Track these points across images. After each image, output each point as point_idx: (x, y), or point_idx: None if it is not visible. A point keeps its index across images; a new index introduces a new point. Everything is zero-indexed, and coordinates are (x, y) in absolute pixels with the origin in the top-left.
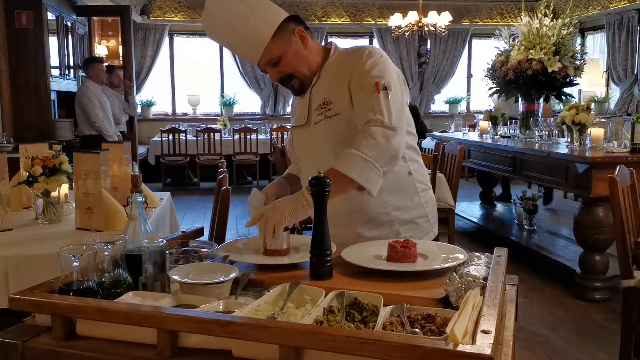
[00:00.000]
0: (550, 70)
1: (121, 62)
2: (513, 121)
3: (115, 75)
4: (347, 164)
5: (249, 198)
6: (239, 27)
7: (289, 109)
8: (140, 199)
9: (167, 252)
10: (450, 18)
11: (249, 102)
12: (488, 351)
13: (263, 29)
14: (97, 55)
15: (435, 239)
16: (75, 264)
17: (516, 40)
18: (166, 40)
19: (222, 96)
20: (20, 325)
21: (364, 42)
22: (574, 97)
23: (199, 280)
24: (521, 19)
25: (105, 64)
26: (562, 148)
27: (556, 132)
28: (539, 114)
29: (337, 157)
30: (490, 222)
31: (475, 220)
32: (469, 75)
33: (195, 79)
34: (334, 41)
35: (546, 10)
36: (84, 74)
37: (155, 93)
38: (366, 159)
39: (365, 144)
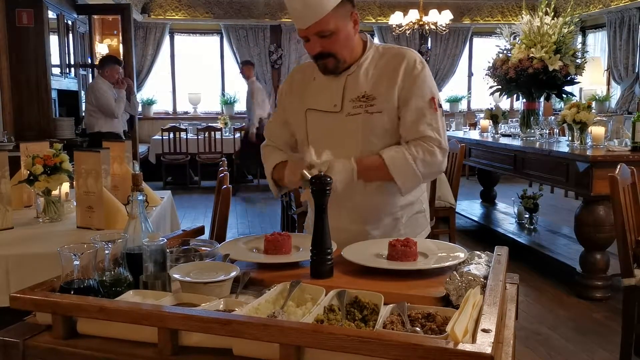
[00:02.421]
0: (551, 68)
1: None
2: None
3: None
4: (398, 166)
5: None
6: None
7: None
8: (140, 197)
9: (167, 250)
10: (451, 16)
11: None
12: (488, 350)
13: None
14: (115, 57)
15: (434, 237)
16: (76, 262)
17: (517, 39)
18: (167, 38)
19: (223, 95)
20: (21, 323)
21: None
22: (575, 96)
23: (200, 279)
24: (522, 18)
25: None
26: (563, 147)
27: (557, 131)
28: (540, 113)
29: (390, 153)
30: (491, 221)
31: (475, 218)
32: (470, 74)
33: (195, 78)
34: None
35: (547, 8)
36: (96, 71)
37: (156, 92)
38: (417, 172)
39: (423, 159)
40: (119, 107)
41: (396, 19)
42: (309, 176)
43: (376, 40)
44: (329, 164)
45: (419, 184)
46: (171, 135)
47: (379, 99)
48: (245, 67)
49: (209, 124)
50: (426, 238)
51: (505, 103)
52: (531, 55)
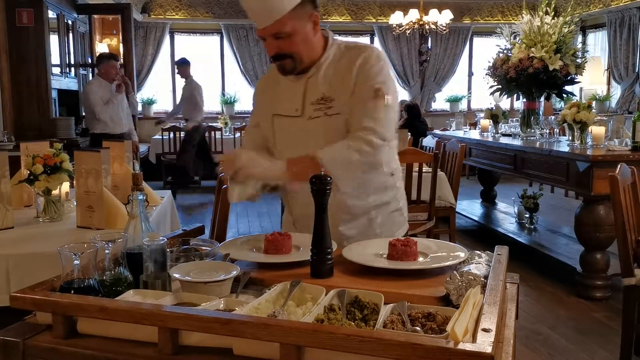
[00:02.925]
0: (551, 68)
1: (122, 60)
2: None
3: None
4: (333, 160)
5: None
6: None
7: None
8: (141, 197)
9: (167, 250)
10: (451, 16)
11: (249, 100)
12: (489, 349)
13: None
14: (110, 52)
15: (434, 237)
16: (76, 262)
17: (517, 39)
18: (167, 38)
19: (223, 94)
20: (21, 323)
21: (364, 40)
22: (575, 95)
23: (200, 279)
24: (522, 17)
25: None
26: (563, 146)
27: (557, 131)
28: (540, 112)
29: (326, 148)
30: (491, 221)
31: (476, 218)
32: (470, 74)
33: (196, 77)
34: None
35: (547, 8)
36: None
37: (156, 91)
38: (353, 162)
39: (358, 149)
40: (104, 109)
41: (396, 18)
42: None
43: (376, 40)
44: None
45: (354, 176)
46: (171, 134)
47: (337, 101)
48: (181, 67)
49: (209, 124)
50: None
51: (505, 103)
52: (531, 54)
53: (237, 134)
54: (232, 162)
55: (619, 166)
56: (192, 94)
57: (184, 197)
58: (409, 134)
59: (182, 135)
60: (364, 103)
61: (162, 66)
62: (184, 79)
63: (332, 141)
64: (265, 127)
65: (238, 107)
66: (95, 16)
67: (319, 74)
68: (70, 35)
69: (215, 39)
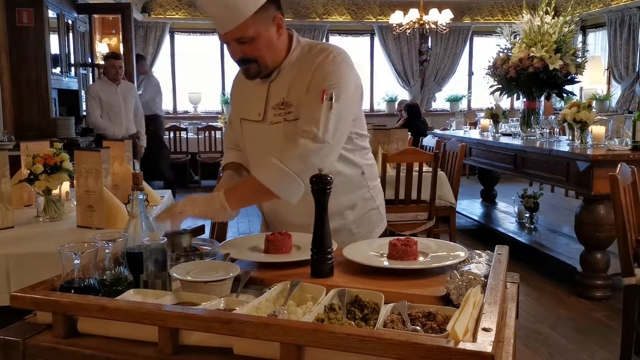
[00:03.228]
0: (551, 68)
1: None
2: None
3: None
4: (267, 175)
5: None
6: None
7: None
8: (141, 196)
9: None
10: (452, 16)
11: None
12: (489, 349)
13: (248, 1)
14: (112, 52)
15: (434, 236)
16: (77, 261)
17: (517, 38)
18: (167, 38)
19: (223, 94)
20: (21, 323)
21: (365, 40)
22: (575, 95)
23: (200, 278)
24: (522, 17)
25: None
26: (564, 146)
27: (557, 130)
28: (540, 112)
29: (259, 164)
30: (491, 220)
31: (476, 218)
32: (470, 73)
33: (196, 77)
34: (339, 39)
35: (547, 7)
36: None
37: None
38: (287, 171)
39: (290, 155)
40: (96, 117)
41: (396, 18)
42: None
43: (376, 40)
44: (187, 197)
45: (300, 185)
46: (171, 134)
47: (295, 105)
48: (138, 63)
49: (209, 123)
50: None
51: (505, 102)
52: (531, 54)
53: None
54: (169, 213)
55: (619, 166)
56: (152, 90)
57: (184, 196)
58: (409, 133)
59: (181, 136)
60: (308, 105)
61: (162, 66)
62: (142, 75)
63: None
64: (236, 130)
65: None
66: (96, 16)
67: (281, 77)
68: (71, 34)
69: (216, 38)
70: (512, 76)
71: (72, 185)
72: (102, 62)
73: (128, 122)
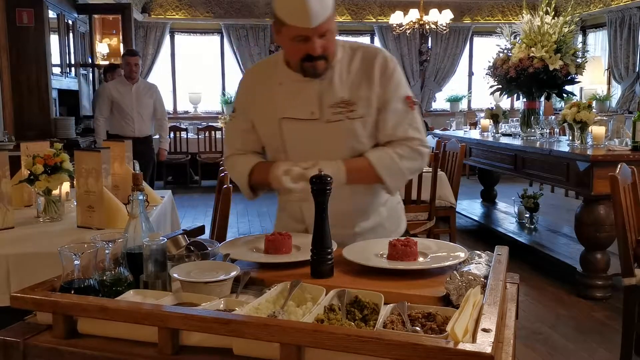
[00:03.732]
0: (551, 68)
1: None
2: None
3: (118, 74)
4: (386, 167)
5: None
6: None
7: None
8: (141, 197)
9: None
10: (452, 16)
11: None
12: (489, 350)
13: None
14: (127, 49)
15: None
16: (77, 262)
17: (517, 38)
18: (167, 38)
19: (223, 94)
20: (21, 323)
21: (365, 40)
22: (575, 95)
23: (200, 279)
24: (522, 17)
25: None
26: (564, 146)
27: (557, 130)
28: (540, 112)
29: (376, 154)
30: (492, 220)
31: (476, 218)
32: (470, 73)
33: (196, 77)
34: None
35: (547, 8)
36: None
37: None
38: (404, 171)
39: (409, 157)
40: (102, 118)
41: (396, 18)
42: (289, 183)
43: (376, 40)
44: (316, 165)
45: (405, 183)
46: (172, 134)
47: (359, 104)
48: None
49: (210, 124)
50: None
51: (505, 102)
52: (531, 54)
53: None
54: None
55: (619, 166)
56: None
57: (184, 196)
58: None
59: (181, 136)
60: (401, 113)
61: (162, 66)
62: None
63: (352, 145)
64: (267, 131)
65: None
66: (96, 16)
67: (334, 76)
68: (71, 35)
69: (216, 38)
70: (512, 76)
71: (72, 186)
72: (102, 63)
73: (141, 124)
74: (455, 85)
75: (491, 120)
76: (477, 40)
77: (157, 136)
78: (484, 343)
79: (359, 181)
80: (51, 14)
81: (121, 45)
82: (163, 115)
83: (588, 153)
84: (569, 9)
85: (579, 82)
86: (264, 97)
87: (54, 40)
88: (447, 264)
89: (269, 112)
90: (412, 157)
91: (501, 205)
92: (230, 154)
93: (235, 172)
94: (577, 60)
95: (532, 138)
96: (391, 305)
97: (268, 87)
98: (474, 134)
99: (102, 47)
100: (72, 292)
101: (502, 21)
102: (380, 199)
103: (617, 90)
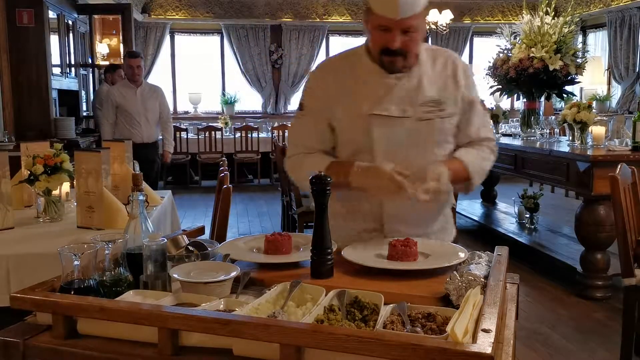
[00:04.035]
0: (551, 68)
1: (122, 60)
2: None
3: (118, 75)
4: (476, 169)
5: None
6: None
7: (290, 108)
8: (141, 197)
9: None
10: (452, 16)
11: (250, 100)
12: (489, 350)
13: None
14: (128, 50)
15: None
16: (76, 262)
17: (517, 39)
18: (167, 38)
19: (224, 94)
20: (21, 323)
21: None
22: (576, 95)
23: (200, 279)
24: (522, 17)
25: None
26: (564, 146)
27: (557, 131)
28: (541, 112)
29: (468, 157)
30: (492, 221)
31: (476, 218)
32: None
33: (196, 78)
34: (339, 39)
35: (547, 8)
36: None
37: None
38: (486, 172)
39: (489, 159)
40: (105, 131)
41: None
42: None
43: None
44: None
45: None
46: None
47: (448, 104)
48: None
49: (210, 124)
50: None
51: (505, 103)
52: (532, 54)
53: (237, 134)
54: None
55: (619, 166)
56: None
57: (184, 197)
58: None
59: (181, 136)
60: (483, 115)
61: (162, 66)
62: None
63: (442, 143)
64: (350, 128)
65: (238, 107)
66: (96, 16)
67: (422, 75)
68: (71, 35)
69: (216, 39)
70: (512, 77)
71: (72, 186)
72: (102, 63)
73: (148, 129)
74: None
75: (491, 121)
76: (477, 40)
77: (160, 137)
78: (484, 343)
79: (453, 183)
80: (51, 14)
81: (121, 45)
82: (169, 118)
83: (588, 153)
84: (569, 9)
85: (579, 82)
86: (345, 92)
87: (54, 40)
88: (447, 264)
89: (354, 109)
90: (490, 158)
91: (501, 205)
92: (295, 153)
93: (302, 172)
94: (577, 60)
95: (532, 138)
96: (391, 305)
97: (349, 82)
98: None
99: (102, 48)
100: (72, 292)
101: (502, 21)
102: (451, 200)
103: (617, 91)
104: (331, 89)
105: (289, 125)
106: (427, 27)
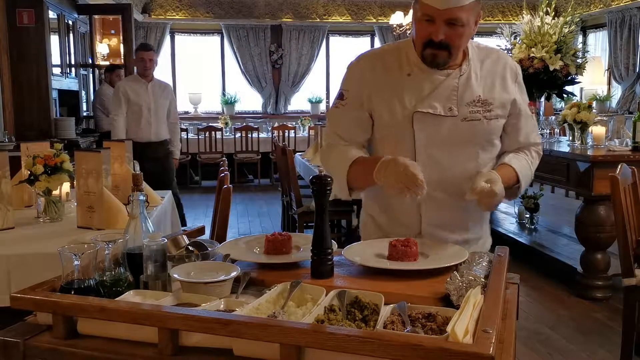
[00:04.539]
0: (551, 68)
1: (122, 60)
2: None
3: (116, 75)
4: (525, 175)
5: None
6: None
7: (290, 108)
8: (141, 197)
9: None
10: None
11: (250, 100)
12: (489, 350)
13: None
14: (141, 42)
15: None
16: (77, 262)
17: (517, 39)
18: (167, 38)
19: (224, 95)
20: (21, 323)
21: (365, 40)
22: (576, 96)
23: (200, 279)
24: (523, 17)
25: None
26: (564, 146)
27: (558, 131)
28: (541, 113)
29: (518, 163)
30: (492, 221)
31: None
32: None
33: (196, 78)
34: (339, 40)
35: (548, 8)
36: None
37: None
38: (532, 177)
39: (535, 164)
40: (118, 126)
41: (397, 18)
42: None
43: (377, 41)
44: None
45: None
46: None
47: (495, 105)
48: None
49: (210, 124)
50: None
51: None
52: (532, 55)
53: (238, 134)
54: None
55: (619, 166)
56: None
57: (184, 197)
58: None
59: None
60: (532, 120)
61: (162, 66)
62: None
63: (485, 145)
64: (394, 123)
65: (238, 108)
66: (96, 16)
67: (470, 72)
68: (71, 35)
69: (216, 39)
70: None
71: (72, 186)
72: (102, 63)
73: (158, 127)
74: None
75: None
76: (477, 40)
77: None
78: (485, 344)
79: (506, 181)
80: (51, 15)
81: (121, 45)
82: (176, 118)
83: (588, 153)
84: (569, 9)
85: (579, 82)
86: (388, 86)
87: (54, 40)
88: (447, 264)
89: (397, 104)
90: (536, 163)
91: (501, 205)
92: (330, 143)
93: (328, 165)
94: (578, 60)
95: None
96: (391, 305)
97: (393, 75)
98: None
99: (102, 48)
100: (72, 292)
101: (502, 21)
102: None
103: (617, 91)
104: (373, 81)
105: (327, 113)
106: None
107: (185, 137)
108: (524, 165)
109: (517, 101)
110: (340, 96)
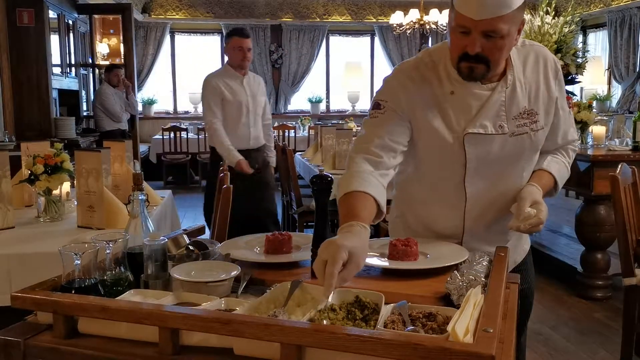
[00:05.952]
0: None
1: (122, 60)
2: None
3: (114, 74)
4: (562, 178)
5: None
6: None
7: (290, 107)
8: (141, 197)
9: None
10: None
11: None
12: (489, 350)
13: None
14: (235, 28)
15: None
16: (77, 262)
17: None
18: (167, 38)
19: None
20: (22, 323)
21: (365, 40)
22: (576, 95)
23: (201, 279)
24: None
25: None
26: None
27: None
28: None
29: (556, 167)
30: None
31: None
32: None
33: (196, 77)
34: (339, 39)
35: (548, 8)
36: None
37: (156, 91)
38: (569, 174)
39: (570, 162)
40: (218, 135)
41: (397, 18)
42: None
43: (377, 40)
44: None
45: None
46: (172, 134)
47: (540, 114)
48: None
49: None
50: None
51: None
52: None
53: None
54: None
55: (619, 166)
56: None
57: (184, 197)
58: None
59: (181, 136)
60: (570, 116)
61: (162, 66)
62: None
63: (532, 158)
64: (438, 143)
65: None
66: (96, 16)
67: (515, 82)
68: (71, 35)
69: (216, 39)
70: None
71: (72, 186)
72: (102, 63)
73: (257, 129)
74: None
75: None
76: None
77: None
78: (485, 343)
79: (543, 196)
80: (51, 14)
81: (121, 45)
82: (270, 118)
83: (588, 153)
84: (569, 9)
85: (579, 82)
86: (431, 103)
87: (54, 40)
88: (448, 263)
89: (444, 125)
90: (571, 160)
91: None
92: (355, 154)
93: (344, 177)
94: (578, 60)
95: None
96: (392, 305)
97: (434, 92)
98: None
99: (102, 47)
100: (73, 292)
101: None
102: None
103: (617, 90)
104: (414, 93)
105: (363, 123)
106: (428, 27)
107: (185, 136)
108: (562, 168)
109: (558, 99)
110: (377, 106)
